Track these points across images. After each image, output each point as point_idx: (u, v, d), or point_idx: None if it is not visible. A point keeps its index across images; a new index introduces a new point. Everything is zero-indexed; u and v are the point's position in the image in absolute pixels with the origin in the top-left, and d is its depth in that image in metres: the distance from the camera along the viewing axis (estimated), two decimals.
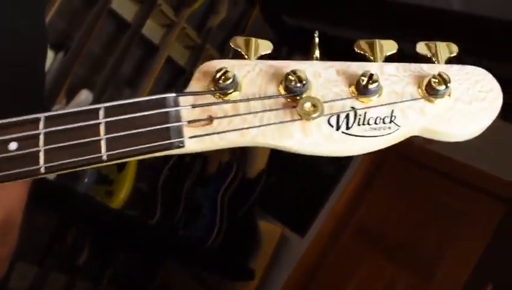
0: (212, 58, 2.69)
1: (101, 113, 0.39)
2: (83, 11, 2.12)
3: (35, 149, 0.38)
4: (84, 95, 1.95)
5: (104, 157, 0.37)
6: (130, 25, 2.26)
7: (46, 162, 0.37)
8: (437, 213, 2.22)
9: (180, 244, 2.35)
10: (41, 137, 0.38)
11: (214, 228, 2.34)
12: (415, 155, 2.22)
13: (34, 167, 0.37)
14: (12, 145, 0.38)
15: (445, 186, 2.24)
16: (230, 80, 0.41)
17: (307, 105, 0.41)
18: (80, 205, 1.99)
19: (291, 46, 3.22)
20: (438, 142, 0.45)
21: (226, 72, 0.41)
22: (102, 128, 0.38)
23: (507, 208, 2.03)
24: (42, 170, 0.37)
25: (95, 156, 0.38)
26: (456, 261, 2.06)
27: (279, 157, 2.40)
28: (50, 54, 2.03)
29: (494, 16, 1.71)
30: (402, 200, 2.35)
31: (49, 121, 0.39)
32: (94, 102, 2.02)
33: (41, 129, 0.38)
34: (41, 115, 0.39)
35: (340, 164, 2.47)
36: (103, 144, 0.38)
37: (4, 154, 0.38)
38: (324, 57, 0.47)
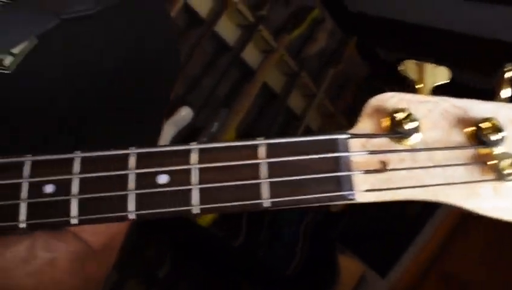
0: (306, 86, 2.67)
1: (262, 150, 0.34)
2: (187, 30, 2.15)
3: (187, 187, 0.33)
4: (185, 111, 1.96)
5: (266, 204, 0.32)
6: (230, 48, 2.28)
7: (202, 202, 0.32)
8: None
9: (260, 270, 2.30)
10: (194, 173, 0.34)
11: (294, 257, 2.28)
12: None
13: (185, 208, 0.32)
14: (163, 178, 0.34)
15: None
16: (415, 125, 0.34)
17: (506, 163, 0.33)
18: (168, 219, 2.00)
19: (383, 79, 3.13)
20: None
21: (410, 114, 0.34)
22: (263, 169, 0.33)
23: None
24: (195, 211, 0.32)
25: (254, 202, 0.32)
26: None
27: None
28: None
29: None
30: (490, 251, 2.19)
31: (203, 155, 0.34)
32: (194, 119, 2.03)
33: (194, 163, 0.34)
34: (193, 147, 0.34)
35: (427, 208, 2.36)
36: (265, 188, 0.33)
37: (152, 189, 0.33)
38: None
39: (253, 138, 0.34)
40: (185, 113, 1.94)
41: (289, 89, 2.52)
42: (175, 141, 1.98)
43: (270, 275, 2.34)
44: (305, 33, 2.60)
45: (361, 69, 3.09)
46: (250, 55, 2.35)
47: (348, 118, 2.89)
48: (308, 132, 2.69)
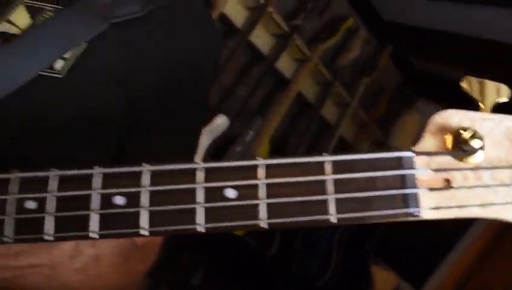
0: (340, 95, 2.67)
1: (328, 167, 0.35)
2: (222, 40, 2.18)
3: (255, 201, 0.34)
4: (221, 120, 1.98)
5: (333, 220, 0.33)
6: (264, 57, 2.29)
7: (269, 217, 0.33)
8: None
9: (294, 280, 2.30)
10: (261, 187, 0.35)
11: (328, 268, 2.27)
12: None
13: (253, 222, 0.34)
14: (231, 193, 0.35)
15: None
16: (480, 143, 0.35)
17: None
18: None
19: (416, 89, 3.10)
20: None
21: (475, 133, 0.35)
22: (330, 185, 0.34)
23: None
24: (262, 225, 0.33)
25: (320, 217, 0.33)
26: None
27: None
28: None
29: None
30: None
31: (270, 170, 0.35)
32: (229, 128, 2.05)
33: (262, 179, 0.35)
34: (260, 162, 0.35)
35: (463, 221, 2.32)
36: (331, 204, 0.34)
37: (221, 203, 0.35)
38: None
39: (319, 153, 0.35)
40: (220, 122, 1.96)
41: (323, 98, 2.53)
42: (210, 149, 2.00)
43: (304, 285, 2.33)
44: (339, 42, 2.60)
45: (395, 78, 3.07)
46: (285, 64, 2.36)
47: (381, 128, 2.87)
48: (342, 141, 2.67)
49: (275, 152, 2.28)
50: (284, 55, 2.31)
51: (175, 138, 0.70)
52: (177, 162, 0.37)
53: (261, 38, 2.26)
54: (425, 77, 3.07)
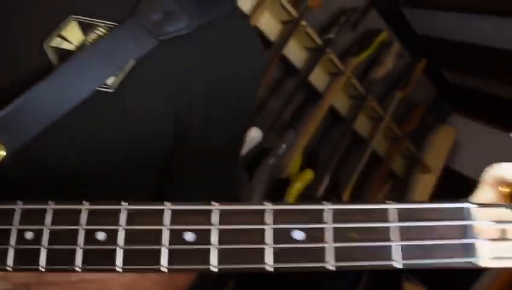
0: (373, 109, 2.66)
1: (393, 214, 0.36)
2: None
3: (320, 245, 0.36)
4: (254, 132, 2.00)
5: (398, 265, 0.34)
6: (298, 71, 2.31)
7: (336, 260, 0.35)
8: None
9: None
10: (328, 231, 0.37)
11: (359, 284, 2.26)
12: None
13: (320, 264, 0.35)
14: (298, 235, 0.37)
15: None
16: None
17: None
18: None
19: (451, 103, 3.07)
20: None
21: None
22: (395, 232, 0.36)
23: None
24: (329, 267, 0.35)
25: (385, 263, 0.35)
26: None
27: None
28: None
29: None
30: None
31: (336, 215, 0.37)
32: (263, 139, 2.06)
33: (329, 222, 0.37)
34: (327, 207, 0.37)
35: None
36: (396, 250, 0.35)
37: (289, 244, 0.37)
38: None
39: (384, 201, 0.36)
40: (254, 135, 1.99)
41: (355, 112, 2.52)
42: (244, 161, 2.02)
43: None
44: (372, 56, 2.60)
45: (428, 92, 3.05)
46: (317, 78, 2.38)
47: (414, 142, 2.84)
48: (374, 155, 2.66)
49: (307, 166, 2.29)
50: (317, 68, 2.32)
51: (219, 153, 0.71)
52: (245, 203, 0.39)
53: (295, 52, 2.27)
54: (459, 90, 3.04)
